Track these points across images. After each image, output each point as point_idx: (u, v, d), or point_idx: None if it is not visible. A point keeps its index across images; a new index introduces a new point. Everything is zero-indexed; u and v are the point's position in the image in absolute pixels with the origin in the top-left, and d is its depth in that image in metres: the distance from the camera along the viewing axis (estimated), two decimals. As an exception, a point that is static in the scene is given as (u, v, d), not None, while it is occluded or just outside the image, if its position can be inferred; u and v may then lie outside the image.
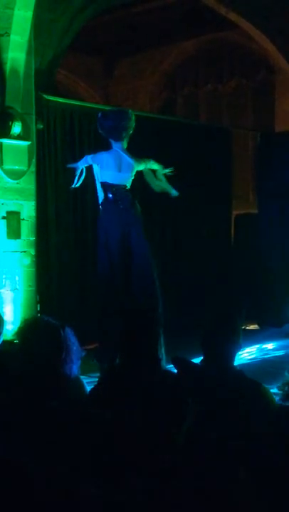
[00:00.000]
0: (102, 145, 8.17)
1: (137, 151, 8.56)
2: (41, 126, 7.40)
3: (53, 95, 7.90)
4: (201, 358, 3.25)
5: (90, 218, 8.04)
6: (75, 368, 3.05)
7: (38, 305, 7.26)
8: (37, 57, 7.26)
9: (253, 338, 7.76)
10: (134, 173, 6.19)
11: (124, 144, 6.18)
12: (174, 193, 6.38)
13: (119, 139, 6.13)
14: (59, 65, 8.31)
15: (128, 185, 6.15)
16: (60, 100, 8.03)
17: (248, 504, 2.09)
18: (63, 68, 11.28)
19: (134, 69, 13.01)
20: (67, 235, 7.94)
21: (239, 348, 3.26)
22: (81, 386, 3.15)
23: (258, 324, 9.06)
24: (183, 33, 11.96)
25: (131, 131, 6.16)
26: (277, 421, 2.71)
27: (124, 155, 6.14)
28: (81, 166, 6.26)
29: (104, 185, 6.10)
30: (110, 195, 6.06)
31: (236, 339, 3.24)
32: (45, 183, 7.65)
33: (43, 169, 7.60)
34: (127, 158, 6.13)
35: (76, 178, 6.25)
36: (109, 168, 6.09)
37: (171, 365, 3.29)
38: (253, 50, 11.59)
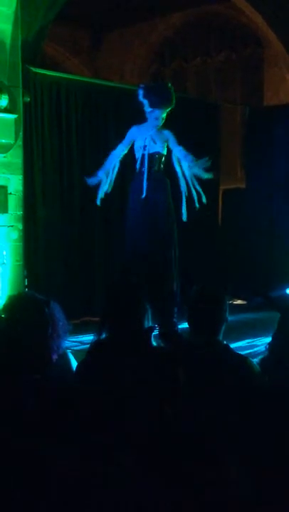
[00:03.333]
0: (89, 117, 8.15)
1: (127, 125, 8.54)
2: (28, 99, 7.33)
3: (40, 68, 7.81)
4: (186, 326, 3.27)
5: (78, 192, 8.02)
6: (62, 343, 3.05)
7: (26, 280, 7.25)
8: (23, 29, 7.16)
9: (240, 312, 7.80)
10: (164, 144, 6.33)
11: (159, 120, 6.32)
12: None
13: (152, 112, 6.29)
14: (46, 37, 8.19)
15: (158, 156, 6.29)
16: (48, 73, 7.94)
17: (236, 481, 2.11)
18: (50, 41, 11.15)
19: (122, 42, 12.88)
20: (54, 209, 7.91)
21: (226, 322, 3.28)
22: (68, 361, 3.15)
23: (245, 299, 9.09)
24: (172, 6, 11.84)
25: (158, 114, 6.26)
26: (262, 394, 2.74)
27: (156, 130, 6.33)
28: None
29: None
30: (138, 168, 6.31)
31: (223, 313, 3.25)
32: (32, 157, 7.59)
33: (30, 143, 7.54)
34: (158, 132, 6.34)
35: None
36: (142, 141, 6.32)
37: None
38: (242, 23, 11.49)
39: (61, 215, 7.96)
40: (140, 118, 8.16)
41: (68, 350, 3.29)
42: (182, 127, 8.89)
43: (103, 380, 2.61)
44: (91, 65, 13.13)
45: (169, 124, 8.65)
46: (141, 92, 6.28)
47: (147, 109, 6.24)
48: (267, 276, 9.18)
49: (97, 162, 8.26)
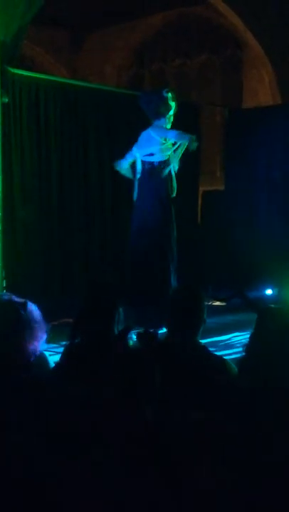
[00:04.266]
0: (68, 118, 8.12)
1: (105, 126, 8.52)
2: (6, 100, 7.29)
3: (19, 68, 7.78)
4: (165, 331, 3.28)
5: (57, 193, 8.00)
6: (39, 345, 3.03)
7: (4, 281, 7.21)
8: (1, 29, 7.13)
9: (219, 313, 7.80)
10: (160, 148, 6.48)
11: (161, 122, 6.52)
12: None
13: (152, 118, 6.57)
14: (25, 37, 8.16)
15: (157, 162, 6.48)
16: (26, 74, 7.91)
17: (209, 478, 2.12)
18: (30, 41, 11.11)
19: (102, 43, 12.88)
20: (33, 210, 7.88)
21: (204, 323, 3.29)
22: (44, 363, 3.14)
23: (223, 300, 9.10)
24: (152, 7, 11.85)
25: (165, 108, 6.48)
26: (240, 395, 2.74)
27: (151, 132, 6.52)
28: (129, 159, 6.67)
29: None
30: (141, 172, 6.56)
31: (201, 314, 3.26)
32: (11, 158, 7.56)
33: (8, 143, 7.50)
34: (152, 135, 6.50)
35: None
36: (140, 147, 6.59)
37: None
38: (222, 25, 11.54)
39: (40, 216, 7.93)
40: (117, 118, 8.22)
41: (46, 352, 3.28)
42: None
43: (78, 382, 2.60)
44: (70, 65, 13.11)
45: (149, 125, 8.69)
46: (140, 102, 6.68)
47: (153, 117, 6.58)
48: (246, 277, 9.20)
49: (76, 163, 8.27)
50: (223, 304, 8.94)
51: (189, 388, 2.81)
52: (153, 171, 6.50)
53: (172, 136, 6.49)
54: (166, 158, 6.51)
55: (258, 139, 9.52)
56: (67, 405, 2.47)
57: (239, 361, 2.85)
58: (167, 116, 6.52)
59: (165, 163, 6.52)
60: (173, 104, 6.52)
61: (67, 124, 8.13)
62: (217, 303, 8.91)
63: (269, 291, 8.51)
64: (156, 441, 2.35)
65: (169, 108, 6.51)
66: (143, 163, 6.56)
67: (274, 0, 10.26)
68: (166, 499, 2.18)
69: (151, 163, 6.54)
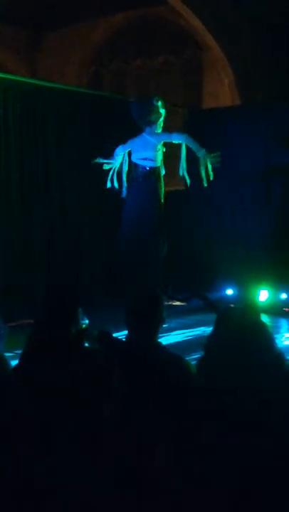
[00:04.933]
0: (27, 118, 8.05)
1: (65, 126, 8.46)
2: None
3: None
4: (126, 332, 3.28)
5: (16, 193, 7.93)
6: (-2, 346, 3.01)
7: None
8: None
9: (179, 313, 7.84)
10: (155, 154, 6.89)
11: (153, 129, 6.92)
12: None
13: (143, 126, 6.96)
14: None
15: (148, 166, 6.89)
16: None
17: (167, 480, 2.13)
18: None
19: (62, 42, 12.80)
20: (8, 211, 7.80)
21: (162, 323, 3.30)
22: (3, 363, 3.12)
23: (184, 300, 9.13)
24: (112, 7, 11.84)
25: (156, 117, 6.88)
26: (198, 394, 2.76)
27: (148, 137, 6.90)
28: (117, 161, 7.05)
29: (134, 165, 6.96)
30: (134, 174, 6.97)
31: (159, 314, 3.27)
32: None
33: None
34: (149, 140, 6.89)
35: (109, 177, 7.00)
36: (134, 151, 6.98)
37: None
38: (182, 26, 11.58)
39: (17, 218, 7.87)
40: (76, 119, 8.18)
41: (6, 353, 3.26)
42: (122, 128, 8.93)
43: (36, 385, 2.59)
44: (30, 65, 13.01)
45: (109, 125, 8.68)
46: (132, 111, 7.10)
47: (144, 127, 6.96)
48: (207, 277, 9.24)
49: (35, 164, 8.20)
50: (183, 304, 8.98)
51: (147, 387, 2.82)
52: (145, 174, 6.90)
53: (176, 138, 6.98)
54: (158, 164, 6.96)
55: (218, 140, 9.56)
56: (23, 407, 2.45)
57: (198, 361, 2.86)
58: (158, 122, 6.93)
59: (156, 169, 6.95)
60: (163, 111, 6.93)
61: (27, 125, 8.05)
62: (177, 303, 8.94)
63: (230, 292, 8.57)
64: (113, 438, 2.35)
65: (159, 116, 6.92)
66: (136, 165, 6.94)
67: (234, 2, 10.33)
68: (123, 496, 2.19)
69: (144, 167, 6.92)
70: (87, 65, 13.01)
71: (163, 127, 7.03)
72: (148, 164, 6.93)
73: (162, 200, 7.03)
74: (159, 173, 6.99)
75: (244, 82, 11.07)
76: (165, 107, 6.98)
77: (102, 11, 11.96)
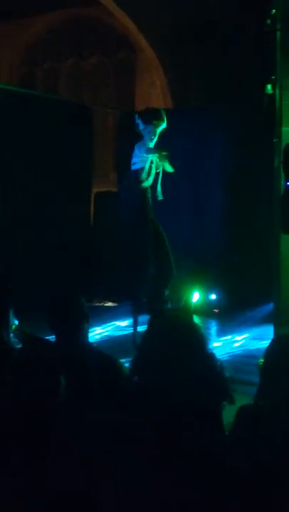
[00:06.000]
0: None
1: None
2: None
3: None
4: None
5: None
6: None
7: None
8: None
9: (110, 314, 7.86)
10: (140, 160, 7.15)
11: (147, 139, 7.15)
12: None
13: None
14: None
15: (135, 169, 7.20)
16: None
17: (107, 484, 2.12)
18: None
19: (-7, 40, 12.63)
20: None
21: (86, 322, 3.28)
22: None
23: (115, 301, 9.15)
24: (45, 6, 11.74)
25: (151, 128, 7.12)
26: (130, 395, 2.76)
27: (136, 147, 7.22)
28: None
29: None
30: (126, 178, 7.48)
31: (82, 315, 3.25)
32: None
33: None
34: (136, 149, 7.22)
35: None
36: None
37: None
38: (116, 28, 11.59)
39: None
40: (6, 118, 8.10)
41: None
42: (54, 128, 8.88)
43: None
44: None
45: (40, 126, 8.62)
46: (136, 115, 7.43)
47: (142, 126, 7.16)
48: (140, 279, 9.26)
49: None
50: (115, 304, 9.00)
51: (78, 390, 2.80)
52: (136, 178, 7.21)
53: (144, 152, 7.18)
54: (142, 166, 7.16)
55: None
56: None
57: (131, 361, 2.86)
58: (157, 125, 7.19)
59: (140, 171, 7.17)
60: (158, 132, 7.20)
61: None
62: (109, 304, 8.95)
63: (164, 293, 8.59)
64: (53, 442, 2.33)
65: (162, 117, 7.21)
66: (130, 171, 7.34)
67: (166, 5, 10.41)
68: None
69: (134, 171, 7.26)
70: (19, 64, 12.86)
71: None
72: (134, 167, 7.31)
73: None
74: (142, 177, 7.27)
75: (176, 84, 11.16)
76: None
77: (35, 11, 11.84)
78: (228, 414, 2.81)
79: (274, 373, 2.63)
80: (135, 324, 7.09)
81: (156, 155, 7.07)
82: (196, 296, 8.08)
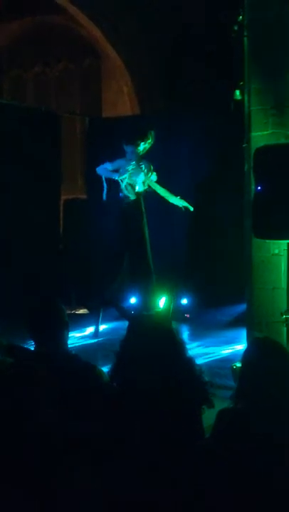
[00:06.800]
0: None
1: None
2: None
3: None
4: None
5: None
6: None
7: None
8: None
9: (84, 321, 7.84)
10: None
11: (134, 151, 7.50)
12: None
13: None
14: None
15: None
16: None
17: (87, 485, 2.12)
18: None
19: None
20: None
21: (67, 330, 3.27)
22: None
23: (88, 308, 9.12)
24: (10, 14, 11.69)
25: (133, 148, 7.47)
26: (110, 401, 2.76)
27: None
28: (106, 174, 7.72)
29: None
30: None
31: (61, 323, 3.24)
32: None
33: None
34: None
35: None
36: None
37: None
38: (81, 35, 11.59)
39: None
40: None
41: None
42: (22, 136, 8.84)
43: None
44: None
45: (8, 133, 8.59)
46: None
47: (124, 144, 7.52)
48: (110, 285, 9.25)
49: None
50: (86, 312, 8.97)
51: (60, 397, 2.80)
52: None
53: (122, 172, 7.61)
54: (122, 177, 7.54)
55: (117, 149, 9.62)
56: None
57: (110, 368, 2.86)
58: (138, 145, 7.47)
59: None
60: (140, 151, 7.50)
61: None
62: (81, 311, 8.93)
63: (133, 300, 8.57)
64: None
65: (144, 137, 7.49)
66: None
67: (132, 13, 10.45)
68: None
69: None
70: (-16, 72, 12.78)
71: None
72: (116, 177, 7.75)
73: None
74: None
75: (143, 90, 11.20)
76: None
77: (0, 18, 11.78)
78: (208, 417, 2.83)
79: (253, 377, 2.65)
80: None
81: (126, 175, 7.46)
82: (162, 302, 8.04)
